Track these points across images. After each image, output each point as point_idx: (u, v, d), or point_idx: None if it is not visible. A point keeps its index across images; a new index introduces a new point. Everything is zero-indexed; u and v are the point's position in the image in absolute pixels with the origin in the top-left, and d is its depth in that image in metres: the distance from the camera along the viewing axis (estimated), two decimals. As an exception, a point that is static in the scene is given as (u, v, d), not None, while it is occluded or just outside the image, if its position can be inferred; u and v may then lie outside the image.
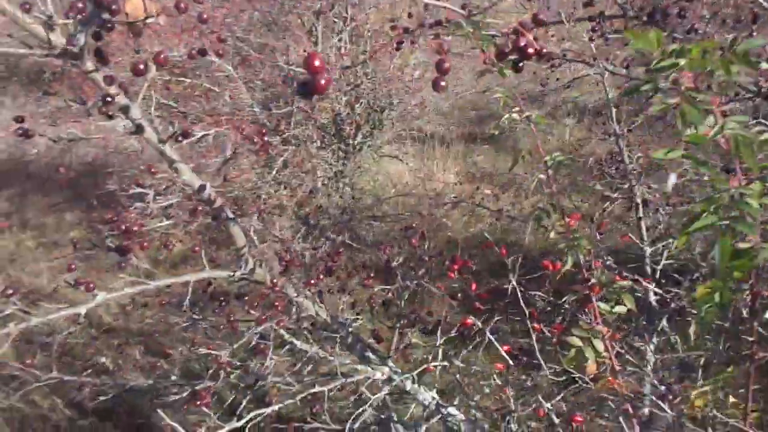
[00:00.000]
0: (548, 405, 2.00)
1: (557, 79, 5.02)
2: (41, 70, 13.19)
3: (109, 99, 1.46)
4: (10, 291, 1.36)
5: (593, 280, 2.04)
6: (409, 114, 6.73)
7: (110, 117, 1.53)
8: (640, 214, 3.14)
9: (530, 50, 0.97)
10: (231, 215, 1.64)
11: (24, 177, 8.86)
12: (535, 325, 2.04)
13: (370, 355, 2.16)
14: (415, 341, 2.22)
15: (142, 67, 1.37)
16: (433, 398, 2.07)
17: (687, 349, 3.09)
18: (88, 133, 7.23)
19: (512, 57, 1.02)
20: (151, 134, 1.58)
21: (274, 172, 6.60)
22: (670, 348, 3.16)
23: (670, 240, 2.96)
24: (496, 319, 2.06)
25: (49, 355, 5.54)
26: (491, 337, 1.93)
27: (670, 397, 1.70)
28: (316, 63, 0.76)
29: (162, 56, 1.38)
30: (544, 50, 0.99)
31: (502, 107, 1.94)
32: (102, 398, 5.18)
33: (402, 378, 2.08)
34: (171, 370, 5.72)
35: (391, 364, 2.16)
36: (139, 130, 1.57)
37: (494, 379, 2.13)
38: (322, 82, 0.76)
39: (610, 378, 1.88)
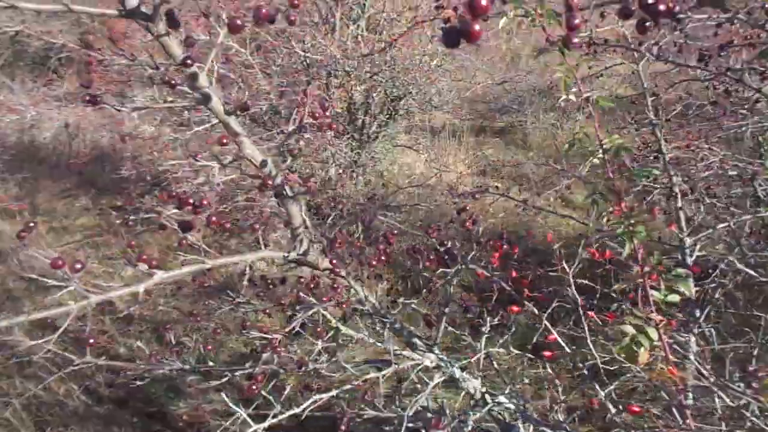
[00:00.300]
0: (602, 394, 1.96)
1: (589, 68, 4.92)
2: (47, 56, 13.11)
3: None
4: (78, 265, 1.31)
5: (647, 268, 2.00)
6: (427, 104, 6.66)
7: (173, 86, 1.47)
8: (680, 204, 3.09)
9: (662, 7, 0.89)
10: (291, 193, 1.59)
11: (35, 162, 8.80)
12: (590, 312, 2.00)
13: (417, 341, 2.11)
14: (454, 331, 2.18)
15: (239, 23, 1.32)
16: (483, 386, 2.02)
17: (721, 342, 3.05)
18: (100, 118, 7.15)
19: (635, 17, 0.95)
20: (218, 104, 1.52)
21: (289, 160, 6.53)
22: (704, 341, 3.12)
23: (710, 230, 2.91)
24: (554, 305, 2.01)
25: (65, 342, 5.51)
26: (548, 324, 1.89)
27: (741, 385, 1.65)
28: (483, 2, 0.68)
29: (263, 11, 1.30)
30: (676, 8, 0.92)
31: (563, 88, 1.88)
32: (118, 385, 5.18)
33: (452, 365, 2.04)
34: (187, 359, 5.69)
35: (437, 351, 2.11)
36: (205, 99, 1.51)
37: (544, 368, 2.08)
38: (477, 28, 0.69)
39: (669, 368, 1.84)
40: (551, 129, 11.30)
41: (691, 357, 2.56)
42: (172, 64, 1.55)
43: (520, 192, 8.62)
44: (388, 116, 6.94)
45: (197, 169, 6.55)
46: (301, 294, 1.84)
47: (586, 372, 1.88)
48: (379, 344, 2.05)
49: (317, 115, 1.56)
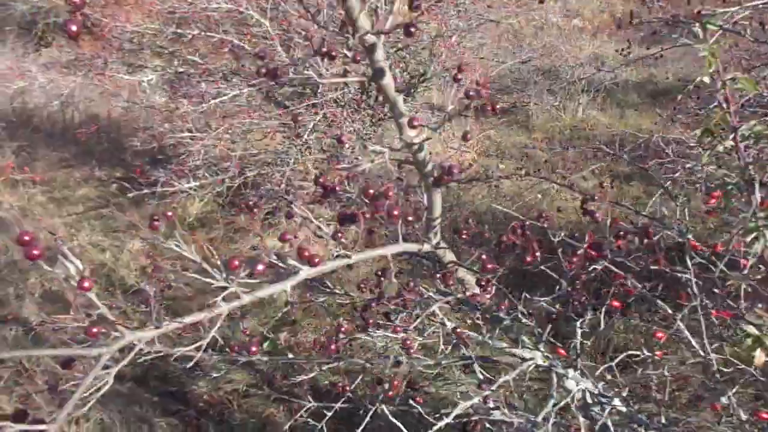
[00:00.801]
0: (725, 398, 1.90)
1: (647, 48, 4.78)
2: (33, 21, 12.55)
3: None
4: (236, 262, 1.17)
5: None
6: (448, 82, 6.51)
7: (332, 57, 1.31)
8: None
9: None
10: (435, 181, 1.47)
11: (29, 130, 8.45)
12: (713, 311, 1.93)
13: (524, 338, 2.02)
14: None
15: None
16: (594, 387, 1.95)
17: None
18: (106, 85, 6.85)
19: None
20: (389, 81, 1.38)
21: (306, 136, 6.36)
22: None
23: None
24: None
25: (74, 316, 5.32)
26: (681, 324, 1.81)
27: None
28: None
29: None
30: None
31: (708, 66, 1.78)
32: (137, 363, 5.02)
33: (562, 364, 1.95)
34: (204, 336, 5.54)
35: (542, 348, 2.03)
36: (378, 74, 1.36)
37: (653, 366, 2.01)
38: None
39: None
40: (554, 111, 11.24)
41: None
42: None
43: (526, 173, 8.57)
44: (407, 93, 6.77)
45: (214, 144, 6.34)
46: (420, 288, 1.73)
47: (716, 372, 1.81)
48: (489, 342, 1.95)
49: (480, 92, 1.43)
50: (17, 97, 8.69)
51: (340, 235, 1.31)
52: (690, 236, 2.30)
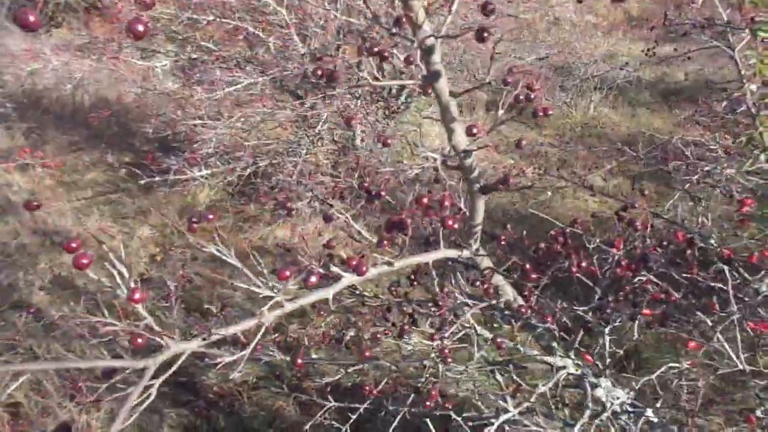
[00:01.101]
0: (759, 412, 1.87)
1: (675, 49, 4.69)
2: (45, 1, 12.45)
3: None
4: (287, 272, 1.13)
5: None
6: (466, 75, 6.43)
7: (385, 58, 1.26)
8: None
9: None
10: (483, 188, 1.42)
11: (39, 112, 8.40)
12: (750, 323, 1.89)
13: (555, 344, 1.99)
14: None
15: None
16: (628, 397, 1.92)
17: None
18: (120, 70, 6.79)
19: None
20: (445, 85, 1.33)
21: (319, 126, 6.30)
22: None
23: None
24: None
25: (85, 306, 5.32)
26: (720, 337, 1.77)
27: None
28: None
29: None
30: None
31: (759, 73, 1.73)
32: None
33: (593, 373, 1.92)
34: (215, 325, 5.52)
35: (572, 355, 2.00)
36: (434, 77, 1.32)
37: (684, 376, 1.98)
38: None
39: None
40: (565, 108, 11.17)
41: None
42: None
43: (536, 170, 8.51)
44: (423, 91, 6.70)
45: (227, 132, 6.29)
46: (455, 293, 1.69)
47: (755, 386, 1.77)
48: (520, 348, 1.92)
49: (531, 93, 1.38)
50: (28, 79, 8.64)
51: (385, 243, 1.27)
52: (713, 242, 2.27)
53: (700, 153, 4.91)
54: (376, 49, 1.23)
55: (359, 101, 6.23)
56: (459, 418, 1.79)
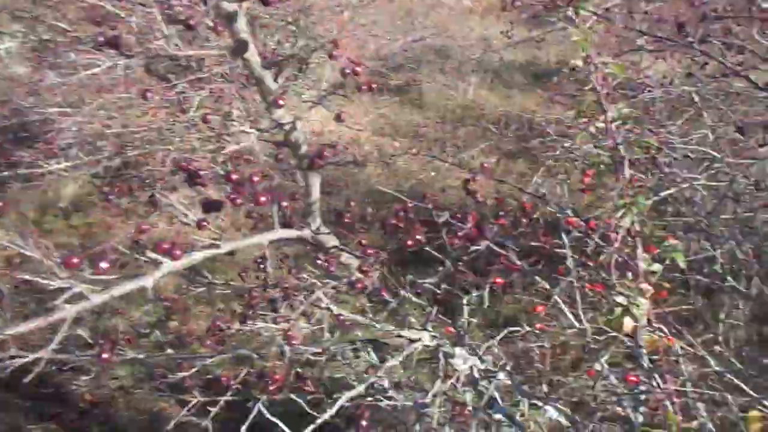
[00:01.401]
0: (598, 365, 2.00)
1: (529, 30, 4.85)
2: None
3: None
4: (75, 259, 1.02)
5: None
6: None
7: (190, 27, 1.17)
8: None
9: None
10: (320, 163, 1.37)
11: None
12: (588, 284, 2.01)
13: (411, 319, 2.01)
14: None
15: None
16: (481, 363, 1.98)
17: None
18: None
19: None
20: (254, 55, 1.25)
21: (192, 111, 5.99)
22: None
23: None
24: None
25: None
26: (558, 299, 1.87)
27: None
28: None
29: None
30: None
31: (582, 50, 1.82)
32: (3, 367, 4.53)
33: (450, 343, 1.97)
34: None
35: (429, 328, 2.03)
36: (240, 47, 1.23)
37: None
38: None
39: (669, 337, 1.90)
40: (445, 90, 11.47)
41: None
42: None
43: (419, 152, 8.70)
44: (298, 69, 6.58)
45: (89, 121, 5.82)
46: (303, 275, 1.65)
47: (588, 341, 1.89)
48: (376, 326, 1.92)
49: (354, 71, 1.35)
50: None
51: (205, 223, 1.19)
52: (569, 212, 2.40)
53: (560, 130, 5.22)
54: (179, 17, 1.14)
55: (232, 85, 5.98)
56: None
